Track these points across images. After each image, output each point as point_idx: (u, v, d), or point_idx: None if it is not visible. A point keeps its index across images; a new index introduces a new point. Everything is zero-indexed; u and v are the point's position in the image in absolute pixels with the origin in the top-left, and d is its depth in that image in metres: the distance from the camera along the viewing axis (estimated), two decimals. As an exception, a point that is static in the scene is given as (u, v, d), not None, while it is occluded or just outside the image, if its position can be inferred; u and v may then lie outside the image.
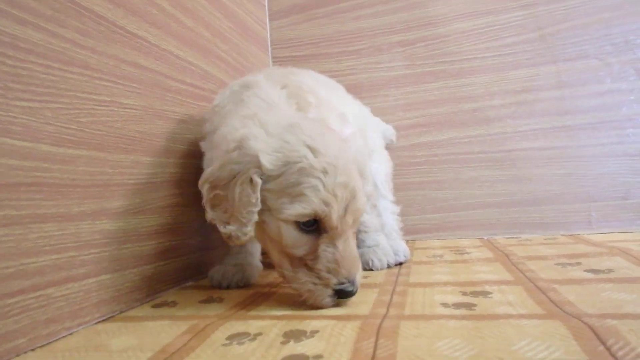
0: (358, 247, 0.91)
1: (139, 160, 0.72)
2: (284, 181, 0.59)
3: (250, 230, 0.60)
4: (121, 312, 0.66)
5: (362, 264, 0.87)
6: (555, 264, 0.81)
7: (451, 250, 1.05)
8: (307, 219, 0.60)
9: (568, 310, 0.53)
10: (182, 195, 0.84)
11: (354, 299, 0.65)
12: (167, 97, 0.81)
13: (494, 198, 1.27)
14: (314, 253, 0.60)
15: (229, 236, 0.60)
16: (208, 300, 0.70)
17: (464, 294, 0.65)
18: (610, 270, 0.73)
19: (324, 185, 0.58)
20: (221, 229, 0.61)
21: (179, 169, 0.84)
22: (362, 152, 0.92)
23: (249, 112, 0.69)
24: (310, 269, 0.61)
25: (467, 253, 1.00)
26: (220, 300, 0.70)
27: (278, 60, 1.43)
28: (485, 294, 0.64)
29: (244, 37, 1.19)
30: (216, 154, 0.66)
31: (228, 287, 0.78)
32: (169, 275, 0.78)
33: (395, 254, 0.93)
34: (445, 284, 0.72)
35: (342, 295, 0.61)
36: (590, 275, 0.71)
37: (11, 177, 0.51)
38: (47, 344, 0.53)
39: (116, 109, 0.67)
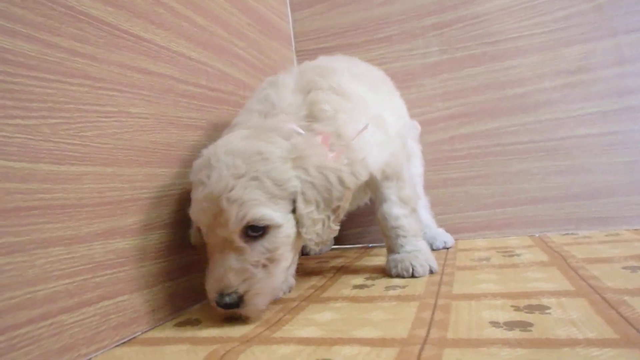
0: (397, 252, 0.85)
1: (153, 173, 0.68)
2: None
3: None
4: (143, 332, 0.62)
5: (402, 270, 0.81)
6: (622, 268, 0.71)
7: (498, 252, 0.96)
8: (195, 225, 0.66)
9: (647, 333, 0.44)
10: (205, 205, 0.80)
11: (387, 315, 0.58)
12: (181, 102, 0.77)
13: (547, 192, 1.15)
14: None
15: None
16: (232, 319, 0.65)
17: (517, 309, 0.56)
18: (693, 276, 0.62)
19: (196, 197, 0.62)
20: None
21: (200, 177, 0.79)
22: (398, 155, 0.87)
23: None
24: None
25: (517, 255, 0.90)
26: (245, 319, 0.65)
27: (302, 54, 1.36)
28: (542, 309, 0.55)
29: (264, 32, 1.14)
30: None
31: (255, 303, 0.73)
32: (193, 291, 0.74)
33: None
34: (494, 295, 0.63)
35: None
36: (669, 283, 0.60)
37: (9, 202, 0.47)
38: (59, 375, 0.49)
39: (124, 120, 0.63)
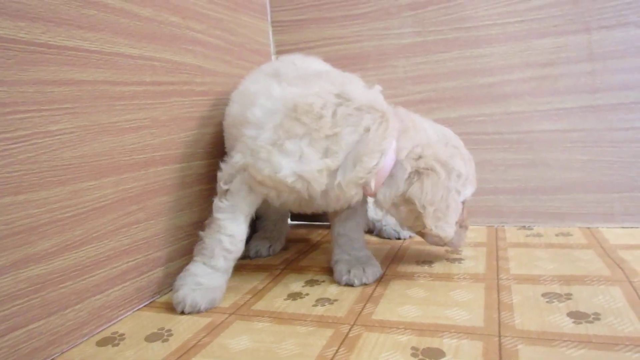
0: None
1: (78, 189, 0.68)
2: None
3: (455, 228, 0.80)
4: (62, 352, 0.64)
5: (353, 277, 0.83)
6: (542, 295, 0.72)
7: (444, 256, 0.97)
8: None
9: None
10: (143, 210, 0.80)
11: (294, 349, 0.60)
12: (116, 106, 0.74)
13: (507, 184, 1.15)
14: (462, 214, 0.83)
15: (442, 240, 0.80)
16: (155, 336, 0.68)
17: (415, 353, 0.58)
18: (596, 317, 0.63)
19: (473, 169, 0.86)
20: (441, 234, 0.76)
21: (137, 182, 0.79)
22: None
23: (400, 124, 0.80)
24: (460, 224, 0.84)
25: (459, 262, 0.91)
26: (168, 336, 0.67)
27: (278, 26, 1.30)
28: (437, 356, 0.57)
29: (229, 7, 1.07)
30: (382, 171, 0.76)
31: (190, 313, 0.75)
32: (126, 299, 0.76)
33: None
34: (406, 326, 0.65)
35: None
36: (568, 326, 0.61)
37: None
38: (-38, 411, 0.52)
39: (40, 140, 0.62)
